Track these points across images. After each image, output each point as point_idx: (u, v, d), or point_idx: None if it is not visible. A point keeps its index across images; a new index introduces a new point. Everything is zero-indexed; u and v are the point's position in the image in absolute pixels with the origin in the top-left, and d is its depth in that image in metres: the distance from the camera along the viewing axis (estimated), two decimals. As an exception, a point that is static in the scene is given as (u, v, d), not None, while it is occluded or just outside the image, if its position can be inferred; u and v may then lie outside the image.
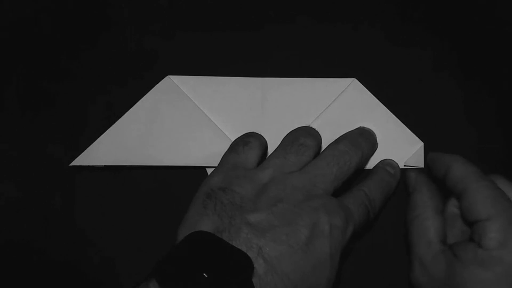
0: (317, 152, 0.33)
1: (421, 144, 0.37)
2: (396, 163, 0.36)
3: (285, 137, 0.33)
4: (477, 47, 0.38)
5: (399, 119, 0.37)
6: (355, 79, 0.37)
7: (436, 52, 0.38)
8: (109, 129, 0.36)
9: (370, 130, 0.36)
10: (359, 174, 0.37)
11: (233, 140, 0.36)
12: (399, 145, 0.36)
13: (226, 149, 0.34)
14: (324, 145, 0.35)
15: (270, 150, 0.35)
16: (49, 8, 0.39)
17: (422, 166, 0.36)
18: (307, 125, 0.37)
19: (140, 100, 0.37)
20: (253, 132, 0.34)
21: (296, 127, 0.34)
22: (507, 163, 0.37)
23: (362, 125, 0.36)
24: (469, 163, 0.31)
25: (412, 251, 0.31)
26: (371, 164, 0.36)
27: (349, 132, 0.35)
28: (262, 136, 0.34)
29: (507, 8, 0.39)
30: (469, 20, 0.39)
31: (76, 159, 0.36)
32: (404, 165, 0.36)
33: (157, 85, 0.37)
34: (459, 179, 0.30)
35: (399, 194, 0.37)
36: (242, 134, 0.35)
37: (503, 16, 0.39)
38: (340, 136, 0.34)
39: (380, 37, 0.38)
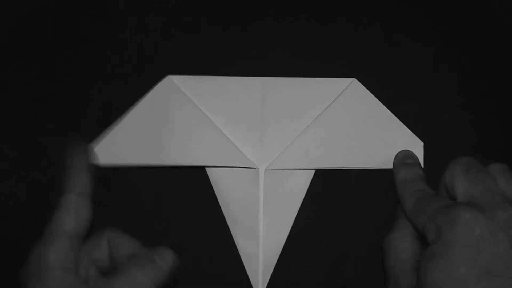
0: None
1: (421, 144, 0.37)
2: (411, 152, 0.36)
3: None
4: (477, 47, 0.38)
5: (399, 119, 0.37)
6: (355, 79, 0.37)
7: (436, 52, 0.38)
8: (111, 131, 0.36)
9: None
10: (360, 173, 0.37)
11: (232, 140, 0.36)
12: (399, 145, 0.36)
13: (225, 149, 0.33)
14: (321, 143, 0.36)
15: (270, 148, 0.35)
16: (48, 8, 0.39)
17: (422, 166, 0.36)
18: (307, 124, 0.37)
19: (141, 101, 0.37)
20: None
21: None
22: (507, 163, 0.37)
23: (362, 125, 0.37)
24: (407, 177, 0.33)
25: (388, 272, 0.31)
26: (370, 163, 0.36)
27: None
28: None
29: (507, 8, 0.39)
30: (469, 20, 0.39)
31: None
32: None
33: (157, 85, 0.37)
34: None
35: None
36: (241, 133, 0.35)
37: (503, 16, 0.39)
38: None
39: (380, 37, 0.38)
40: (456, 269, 0.25)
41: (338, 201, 0.37)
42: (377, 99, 0.37)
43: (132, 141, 0.36)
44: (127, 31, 0.38)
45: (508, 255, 0.25)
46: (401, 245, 0.30)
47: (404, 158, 0.35)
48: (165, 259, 0.28)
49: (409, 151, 0.36)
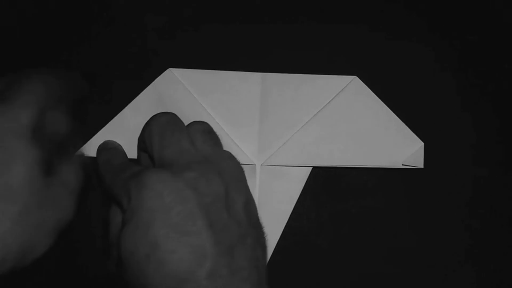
0: None
1: (421, 144, 0.37)
2: None
3: None
4: (478, 47, 0.38)
5: (399, 118, 0.37)
6: (356, 77, 0.37)
7: (438, 51, 0.38)
8: (110, 121, 0.36)
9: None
10: (360, 173, 0.37)
11: (230, 134, 0.36)
12: (399, 144, 0.36)
13: (223, 143, 0.33)
14: (320, 140, 0.36)
15: (267, 144, 0.35)
16: (48, 8, 0.39)
17: (422, 166, 0.36)
18: (306, 121, 0.37)
19: (142, 93, 0.37)
20: None
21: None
22: (507, 163, 0.37)
23: (361, 123, 0.37)
24: (108, 157, 0.31)
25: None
26: (369, 162, 0.36)
27: None
28: None
29: (507, 8, 0.39)
30: (470, 20, 0.39)
31: (79, 149, 0.36)
32: (403, 165, 0.36)
33: (158, 77, 0.37)
34: None
35: (397, 196, 0.37)
36: (239, 128, 0.35)
37: (503, 16, 0.39)
38: None
39: (382, 36, 0.38)
40: (145, 232, 0.24)
41: (338, 201, 0.37)
42: (378, 98, 0.37)
43: (132, 133, 0.36)
44: (128, 30, 0.38)
45: (196, 213, 0.25)
46: (115, 219, 0.29)
47: (105, 145, 0.34)
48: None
49: (109, 140, 0.35)
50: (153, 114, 0.36)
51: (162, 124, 0.29)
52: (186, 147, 0.28)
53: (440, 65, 0.38)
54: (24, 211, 0.25)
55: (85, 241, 0.36)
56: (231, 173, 0.28)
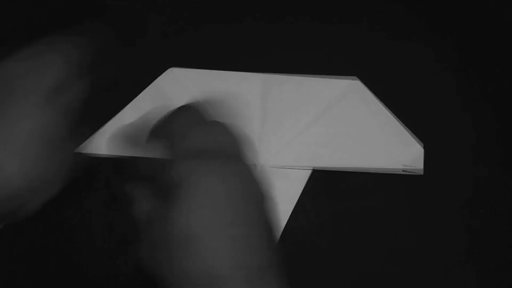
0: None
1: (421, 145, 0.37)
2: None
3: None
4: (479, 48, 0.39)
5: (399, 119, 0.37)
6: (356, 78, 0.37)
7: (438, 53, 0.38)
8: (111, 120, 0.36)
9: None
10: (360, 173, 0.37)
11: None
12: (399, 146, 0.36)
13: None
14: (320, 142, 0.36)
15: (268, 145, 0.35)
16: (48, 8, 0.39)
17: (422, 167, 0.36)
18: (306, 123, 0.37)
19: (142, 92, 0.37)
20: None
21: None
22: (507, 163, 0.37)
23: (361, 125, 0.37)
24: None
25: None
26: (369, 164, 0.36)
27: None
28: None
29: (507, 8, 0.39)
30: (470, 20, 0.39)
31: (79, 147, 0.36)
32: (403, 165, 0.36)
33: (160, 76, 0.37)
34: None
35: (397, 196, 0.37)
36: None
37: (503, 16, 0.39)
38: None
39: (382, 36, 0.39)
40: (183, 222, 0.25)
41: (338, 201, 0.37)
42: (378, 100, 0.37)
43: (132, 132, 0.36)
44: (131, 23, 0.38)
45: (227, 205, 0.26)
46: (146, 206, 0.30)
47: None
48: None
49: None
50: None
51: (184, 115, 0.30)
52: (207, 139, 0.28)
53: (440, 65, 0.38)
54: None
55: (85, 241, 0.36)
56: (244, 171, 0.29)
